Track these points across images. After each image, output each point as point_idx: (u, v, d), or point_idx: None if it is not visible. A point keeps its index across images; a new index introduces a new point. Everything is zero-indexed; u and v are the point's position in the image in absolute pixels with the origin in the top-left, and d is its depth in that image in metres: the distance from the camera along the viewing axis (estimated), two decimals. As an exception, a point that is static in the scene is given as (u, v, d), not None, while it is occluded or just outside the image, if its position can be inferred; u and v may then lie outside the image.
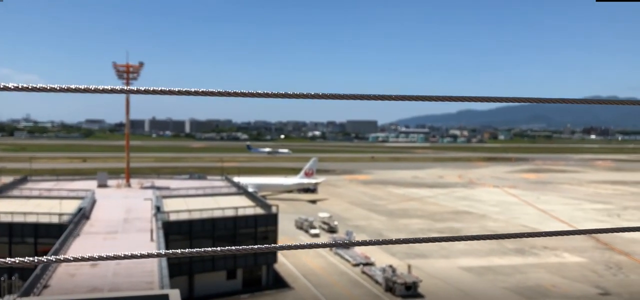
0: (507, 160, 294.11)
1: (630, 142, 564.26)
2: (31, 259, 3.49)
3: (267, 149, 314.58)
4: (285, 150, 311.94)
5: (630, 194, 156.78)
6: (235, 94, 3.58)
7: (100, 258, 3.69)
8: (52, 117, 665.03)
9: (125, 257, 3.72)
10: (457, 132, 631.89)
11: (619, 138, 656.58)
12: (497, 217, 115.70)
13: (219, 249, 3.89)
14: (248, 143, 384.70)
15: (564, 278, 71.27)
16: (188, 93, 3.59)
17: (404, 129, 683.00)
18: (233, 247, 3.92)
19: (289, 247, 4.44)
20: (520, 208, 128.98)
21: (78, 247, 52.68)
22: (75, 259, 3.69)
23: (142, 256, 3.82)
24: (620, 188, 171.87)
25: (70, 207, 69.35)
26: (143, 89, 3.57)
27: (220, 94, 3.48)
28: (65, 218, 61.55)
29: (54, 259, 3.66)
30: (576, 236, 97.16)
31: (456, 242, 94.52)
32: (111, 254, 3.69)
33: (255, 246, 3.59)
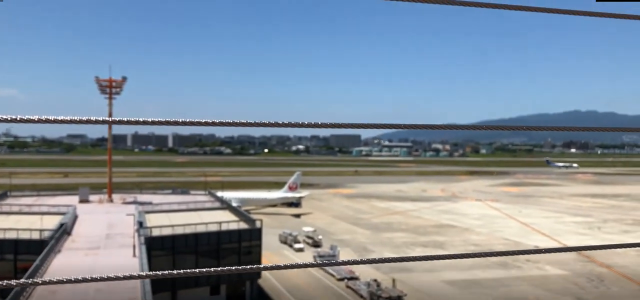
0: (489, 174, 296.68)
1: (609, 156, 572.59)
2: (8, 281, 3.46)
3: (561, 164, 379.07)
4: (575, 165, 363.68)
5: (610, 207, 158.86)
6: (225, 124, 3.64)
7: (77, 281, 3.67)
8: (33, 132, 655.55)
9: (102, 279, 3.69)
10: (440, 146, 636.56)
11: (598, 152, 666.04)
12: (480, 230, 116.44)
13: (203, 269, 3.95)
14: (547, 158, 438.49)
15: (546, 291, 71.85)
16: (176, 123, 3.64)
17: (387, 143, 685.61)
18: (218, 268, 3.97)
19: (273, 268, 4.47)
20: (503, 221, 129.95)
21: (59, 263, 51.97)
22: (51, 282, 3.67)
23: (125, 278, 3.79)
24: (600, 201, 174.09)
25: (51, 222, 68.34)
26: (125, 120, 3.61)
27: (206, 123, 3.58)
28: (46, 234, 60.61)
29: (30, 282, 3.68)
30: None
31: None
32: (88, 277, 3.65)
33: (240, 267, 3.52)
